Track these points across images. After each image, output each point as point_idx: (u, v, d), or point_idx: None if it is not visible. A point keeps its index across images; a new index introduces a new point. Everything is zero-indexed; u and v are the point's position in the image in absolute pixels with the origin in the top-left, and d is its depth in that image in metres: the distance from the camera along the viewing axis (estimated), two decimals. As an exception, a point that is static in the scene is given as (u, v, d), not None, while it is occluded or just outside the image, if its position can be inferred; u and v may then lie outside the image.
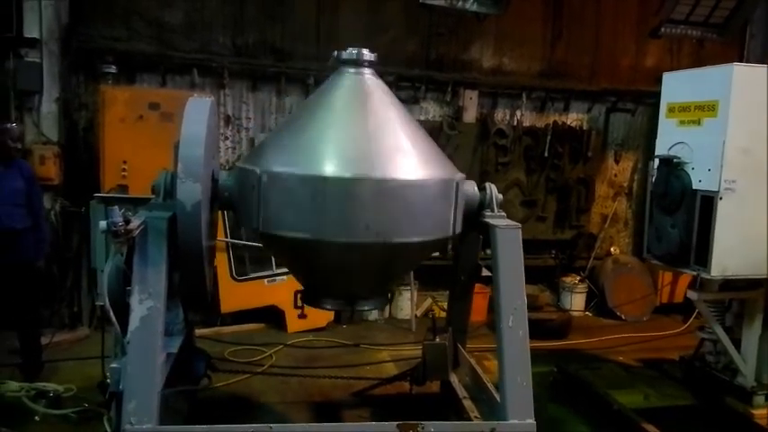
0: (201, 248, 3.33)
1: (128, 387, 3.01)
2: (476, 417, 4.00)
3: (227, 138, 7.66)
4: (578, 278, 8.63)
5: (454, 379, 4.72)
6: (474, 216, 3.87)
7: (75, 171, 6.88)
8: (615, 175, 9.19)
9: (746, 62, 8.21)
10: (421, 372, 4.83)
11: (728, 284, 5.21)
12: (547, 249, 8.75)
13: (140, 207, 3.62)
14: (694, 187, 5.00)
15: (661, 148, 5.40)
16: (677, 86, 5.40)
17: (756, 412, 5.20)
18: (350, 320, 7.51)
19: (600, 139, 8.89)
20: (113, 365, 3.20)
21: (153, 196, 3.56)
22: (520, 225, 3.69)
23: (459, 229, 3.73)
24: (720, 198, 4.80)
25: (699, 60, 8.58)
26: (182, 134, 3.30)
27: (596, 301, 8.68)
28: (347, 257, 3.43)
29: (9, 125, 5.49)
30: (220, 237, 6.62)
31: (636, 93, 8.78)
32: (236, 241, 6.97)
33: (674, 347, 6.63)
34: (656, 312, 8.57)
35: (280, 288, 7.02)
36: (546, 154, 8.36)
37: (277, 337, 6.89)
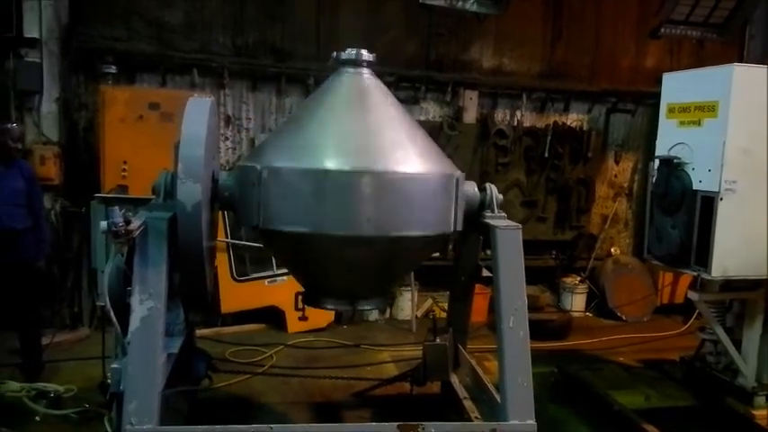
0: (202, 249, 3.33)
1: (128, 387, 3.01)
2: (476, 417, 4.00)
3: (227, 138, 7.67)
4: (579, 279, 8.63)
5: (455, 379, 4.71)
6: (474, 216, 3.87)
7: (75, 171, 6.88)
8: (615, 176, 9.19)
9: (746, 62, 8.21)
10: (421, 372, 4.83)
11: (729, 285, 5.20)
12: (547, 250, 8.75)
13: (141, 207, 3.63)
14: (695, 188, 5.00)
15: (661, 149, 5.40)
16: (677, 87, 5.39)
17: (757, 413, 5.19)
18: (351, 321, 7.51)
19: (600, 139, 8.89)
20: (114, 366, 3.20)
21: (153, 196, 3.56)
22: (520, 226, 3.69)
23: (459, 227, 3.72)
24: (721, 198, 4.80)
25: (699, 61, 8.59)
26: (182, 134, 3.30)
27: (597, 301, 8.68)
28: (348, 252, 3.42)
29: (9, 125, 5.48)
30: (221, 237, 6.61)
31: (636, 93, 8.79)
32: (236, 242, 6.97)
33: (675, 348, 6.63)
34: (656, 313, 8.57)
35: (280, 288, 7.02)
36: (546, 154, 8.36)
37: (277, 338, 6.89)
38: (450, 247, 7.43)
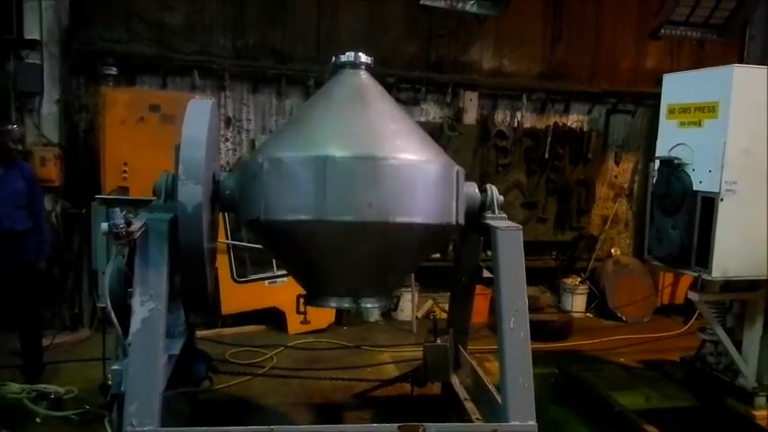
0: (203, 250, 3.33)
1: (129, 389, 3.01)
2: (477, 418, 3.99)
3: (227, 139, 7.68)
4: (579, 279, 8.63)
5: (455, 380, 4.71)
6: (475, 217, 3.87)
7: (75, 173, 6.89)
8: (615, 177, 9.19)
9: (746, 63, 8.21)
10: (422, 373, 4.83)
11: (729, 285, 5.21)
12: (548, 251, 8.75)
13: (141, 209, 3.62)
14: (695, 188, 5.00)
15: (662, 150, 5.40)
16: (677, 88, 5.40)
17: (757, 413, 5.19)
18: (354, 315, 7.47)
19: (600, 140, 8.90)
20: (115, 367, 3.20)
21: (154, 198, 3.56)
22: (521, 226, 3.69)
23: (461, 220, 3.69)
24: (721, 199, 4.80)
25: (699, 62, 8.61)
26: (183, 136, 3.30)
27: (597, 302, 8.68)
28: (351, 240, 3.37)
29: (10, 127, 5.50)
30: (221, 238, 6.61)
31: (636, 94, 8.80)
32: (237, 243, 6.97)
33: (675, 349, 6.62)
34: (656, 313, 8.57)
35: (280, 290, 7.02)
36: (546, 155, 8.37)
37: (278, 339, 6.89)
38: (451, 247, 7.48)
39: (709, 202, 4.88)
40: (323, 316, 7.07)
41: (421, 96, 8.18)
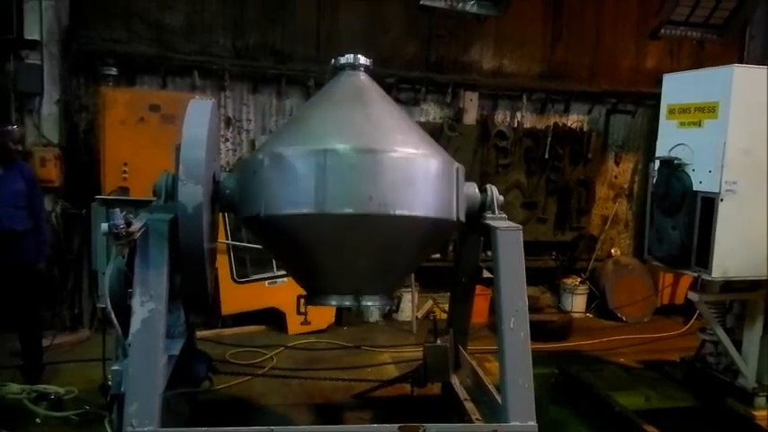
0: (203, 250, 3.33)
1: (129, 389, 3.01)
2: (477, 419, 3.99)
3: (227, 139, 7.68)
4: (579, 280, 8.63)
5: (455, 381, 4.71)
6: (475, 218, 3.87)
7: (75, 173, 6.89)
8: (615, 177, 9.19)
9: (746, 63, 8.21)
10: (422, 374, 4.83)
11: (729, 286, 5.21)
12: (547, 251, 8.75)
13: (141, 209, 3.62)
14: (695, 189, 5.00)
15: (662, 150, 5.40)
16: (677, 88, 5.40)
17: (757, 414, 5.19)
18: (354, 316, 7.47)
19: (600, 140, 8.90)
20: (115, 368, 3.20)
21: (154, 198, 3.56)
22: (521, 227, 3.69)
23: (462, 217, 3.68)
24: (721, 199, 4.80)
25: (699, 62, 8.61)
26: (183, 136, 3.30)
27: (597, 302, 8.68)
28: (352, 234, 3.36)
29: (10, 127, 5.50)
30: (221, 239, 6.61)
31: (636, 94, 8.80)
32: (237, 243, 6.97)
33: (675, 349, 6.62)
34: (656, 314, 8.57)
35: (280, 290, 7.02)
36: (546, 156, 8.37)
37: (278, 339, 6.89)
38: (451, 248, 7.48)
39: (710, 203, 4.88)
40: (323, 316, 7.07)
41: (421, 96, 8.18)
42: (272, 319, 7.20)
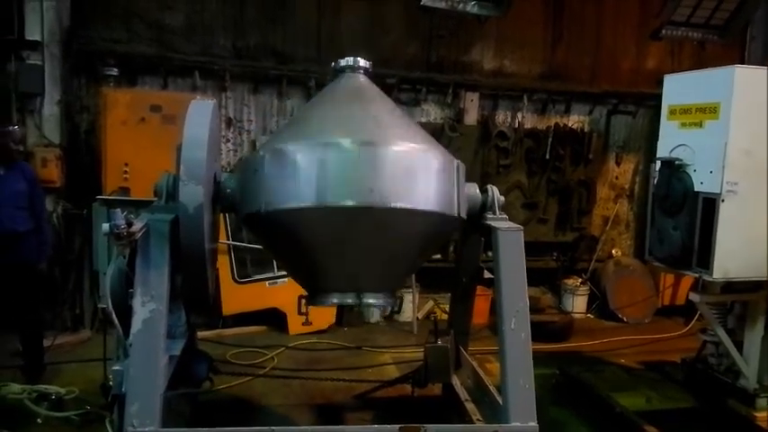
0: (204, 251, 3.33)
1: (130, 389, 3.01)
2: (478, 419, 4.00)
3: (228, 140, 7.68)
4: (580, 280, 8.63)
5: (456, 381, 4.71)
6: (476, 218, 3.87)
7: (77, 173, 6.89)
8: (616, 178, 9.19)
9: (747, 64, 8.21)
10: (423, 374, 4.83)
11: (730, 286, 5.21)
12: (548, 252, 8.75)
13: (142, 209, 3.62)
14: (696, 189, 5.00)
15: (663, 151, 5.40)
16: (678, 88, 5.40)
17: (759, 415, 5.19)
18: (354, 316, 7.46)
19: (601, 141, 8.89)
20: (116, 368, 3.19)
21: (155, 199, 3.56)
22: (522, 227, 3.69)
23: (463, 214, 3.66)
24: (722, 200, 4.80)
25: (700, 62, 8.59)
26: (184, 136, 3.30)
27: (598, 303, 8.67)
28: (352, 228, 3.34)
29: (11, 127, 5.50)
30: (222, 239, 6.62)
31: (637, 95, 8.79)
32: (237, 243, 6.98)
33: (676, 350, 6.62)
34: (657, 314, 8.57)
35: (281, 290, 7.02)
36: (547, 156, 8.37)
37: (279, 340, 6.89)
38: (452, 248, 7.48)
39: (711, 203, 4.88)
40: (324, 316, 7.07)
41: (422, 97, 8.19)
42: (273, 319, 7.20)
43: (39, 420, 4.73)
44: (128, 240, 3.00)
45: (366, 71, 4.02)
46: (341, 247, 3.44)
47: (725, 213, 4.81)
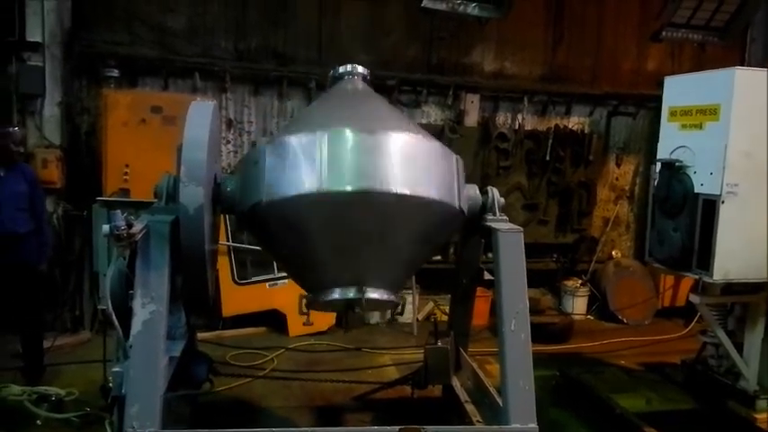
0: (204, 252, 3.33)
1: (130, 391, 3.01)
2: (478, 421, 4.00)
3: (228, 141, 7.69)
4: (580, 282, 8.63)
5: (456, 383, 4.71)
6: (476, 219, 3.87)
7: (77, 175, 6.89)
8: (617, 179, 9.19)
9: (748, 66, 8.22)
10: (423, 376, 4.83)
11: (731, 288, 5.21)
12: (548, 253, 8.74)
13: (143, 211, 3.62)
14: (696, 191, 5.01)
15: (663, 152, 5.41)
16: (679, 90, 5.40)
17: (759, 416, 5.19)
18: (357, 312, 7.40)
19: (601, 142, 8.89)
20: (115, 369, 3.19)
21: (155, 200, 3.56)
22: (522, 229, 3.69)
23: (464, 207, 3.64)
24: (722, 202, 4.81)
25: (700, 64, 8.60)
26: (184, 138, 3.31)
27: (598, 304, 8.67)
28: (353, 215, 3.30)
29: (11, 129, 5.50)
30: (222, 240, 6.62)
31: (637, 96, 8.79)
32: (238, 245, 6.98)
33: (676, 351, 6.61)
34: (657, 316, 8.56)
35: (281, 292, 7.02)
36: (547, 158, 8.37)
37: (278, 341, 6.89)
38: (452, 250, 7.48)
39: (711, 205, 4.88)
40: (324, 318, 7.07)
41: (422, 98, 8.19)
42: (273, 320, 7.20)
43: (38, 422, 4.73)
44: (128, 242, 3.00)
45: (364, 78, 4.04)
46: (342, 236, 3.39)
47: (725, 215, 4.81)
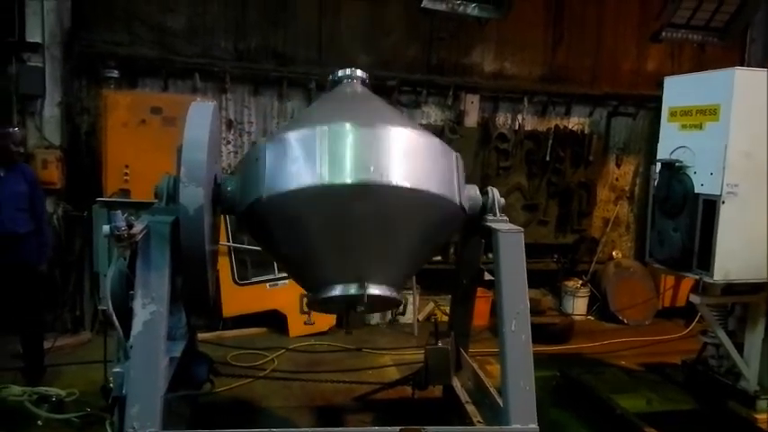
0: (204, 252, 3.33)
1: (130, 391, 3.01)
2: (478, 421, 4.00)
3: (229, 142, 7.69)
4: (580, 282, 8.63)
5: (457, 383, 4.71)
6: (476, 220, 3.87)
7: (77, 175, 6.89)
8: (617, 179, 9.19)
9: (747, 66, 8.22)
10: (423, 376, 4.83)
11: (731, 288, 5.20)
12: (549, 253, 8.74)
13: (143, 211, 3.62)
14: (696, 191, 5.01)
15: (663, 152, 5.41)
16: (679, 90, 5.40)
17: (759, 417, 5.19)
18: (355, 317, 7.43)
19: (601, 143, 8.89)
20: (116, 370, 3.19)
21: (155, 200, 3.56)
22: (522, 229, 3.69)
23: (465, 204, 3.64)
24: (723, 202, 4.81)
25: (700, 64, 8.61)
26: (184, 138, 3.31)
27: (598, 305, 8.67)
28: (353, 207, 3.28)
29: (11, 129, 5.50)
30: (222, 241, 6.62)
31: (637, 97, 8.79)
32: (238, 245, 6.98)
33: (677, 351, 6.62)
34: (658, 316, 8.56)
35: (282, 292, 7.02)
36: (547, 158, 8.37)
37: (279, 342, 6.89)
38: (452, 250, 7.48)
39: (711, 205, 4.88)
40: (324, 318, 7.07)
41: (422, 99, 8.19)
42: (274, 321, 7.20)
43: (39, 422, 4.73)
44: (128, 242, 3.00)
45: (363, 81, 4.06)
46: (342, 230, 3.37)
47: (725, 215, 4.81)
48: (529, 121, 8.57)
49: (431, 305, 8.08)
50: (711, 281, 4.94)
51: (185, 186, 3.22)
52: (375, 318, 7.74)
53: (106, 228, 2.94)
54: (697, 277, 5.07)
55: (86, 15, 7.06)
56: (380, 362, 6.48)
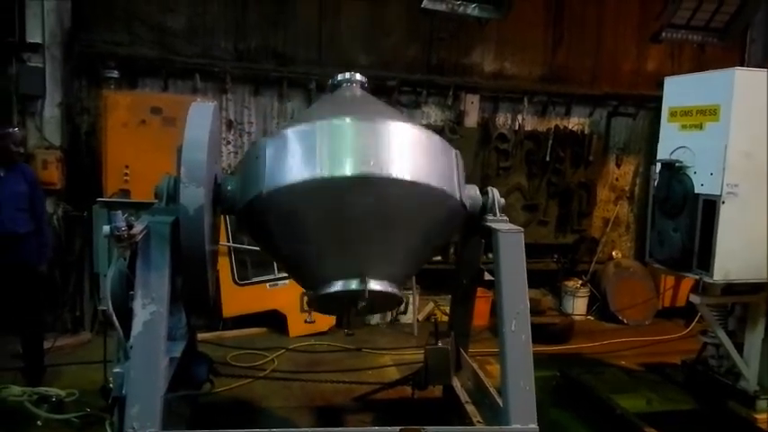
0: (204, 253, 3.33)
1: (130, 391, 3.01)
2: (478, 421, 4.00)
3: (229, 142, 7.69)
4: (580, 282, 8.63)
5: (456, 383, 4.71)
6: (476, 220, 3.88)
7: (77, 175, 6.89)
8: (617, 180, 9.19)
9: (747, 66, 8.22)
10: (423, 376, 4.83)
11: (731, 288, 5.21)
12: (549, 253, 8.75)
13: (143, 211, 3.62)
14: (696, 191, 5.01)
15: (663, 153, 5.41)
16: (679, 91, 5.41)
17: (759, 417, 5.19)
18: (354, 317, 7.43)
19: (601, 143, 8.89)
20: (116, 370, 3.19)
21: (156, 201, 3.56)
22: (522, 229, 3.69)
23: (465, 201, 3.63)
24: (723, 202, 4.81)
25: (700, 65, 8.61)
26: (184, 138, 3.31)
27: (598, 305, 8.67)
28: (353, 200, 3.26)
29: (11, 129, 5.50)
30: (222, 241, 6.62)
31: (637, 97, 8.79)
32: (238, 245, 6.98)
33: (677, 351, 6.62)
34: (658, 316, 8.56)
35: (281, 292, 7.03)
36: (547, 158, 8.37)
37: (279, 342, 6.89)
38: (452, 250, 7.48)
39: (711, 205, 4.88)
40: (325, 318, 7.07)
41: (422, 99, 8.19)
42: (274, 321, 7.20)
43: (39, 423, 4.73)
44: (128, 242, 3.00)
45: (362, 85, 4.07)
46: (342, 224, 3.35)
47: (725, 215, 4.81)
48: (529, 122, 8.57)
49: (431, 305, 8.08)
50: (711, 281, 4.94)
51: (185, 186, 3.22)
52: (375, 318, 7.75)
53: (106, 228, 2.94)
54: (697, 277, 5.07)
55: (86, 15, 7.06)
56: (380, 362, 6.48)
